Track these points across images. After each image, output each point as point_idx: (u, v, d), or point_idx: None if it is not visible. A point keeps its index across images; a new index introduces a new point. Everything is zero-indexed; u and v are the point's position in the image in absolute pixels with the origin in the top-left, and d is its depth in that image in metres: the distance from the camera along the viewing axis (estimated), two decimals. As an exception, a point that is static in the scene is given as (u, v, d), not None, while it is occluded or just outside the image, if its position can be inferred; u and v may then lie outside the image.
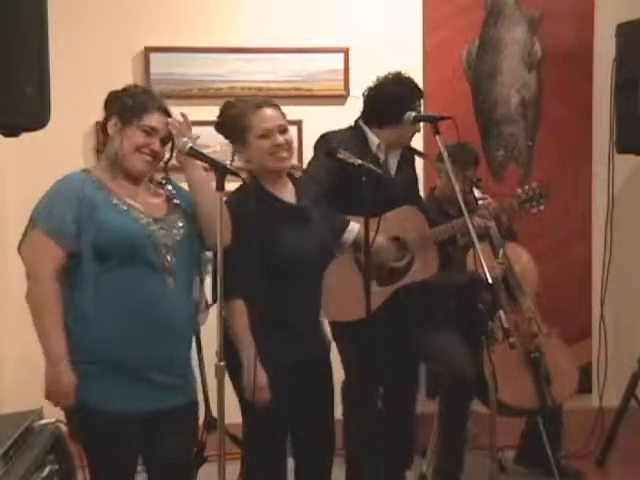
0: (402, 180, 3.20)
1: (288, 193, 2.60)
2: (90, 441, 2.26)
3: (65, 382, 2.18)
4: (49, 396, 2.21)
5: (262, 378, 2.42)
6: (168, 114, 2.37)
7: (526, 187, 3.29)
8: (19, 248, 2.29)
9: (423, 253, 3.13)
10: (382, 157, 3.13)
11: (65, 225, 2.19)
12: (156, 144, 2.32)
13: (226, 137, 2.61)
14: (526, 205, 3.27)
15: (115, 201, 2.27)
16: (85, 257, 2.20)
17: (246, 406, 2.51)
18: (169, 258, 2.29)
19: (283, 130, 2.52)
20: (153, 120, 2.31)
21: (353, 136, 3.09)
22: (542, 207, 3.28)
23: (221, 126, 2.60)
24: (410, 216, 3.14)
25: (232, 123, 2.55)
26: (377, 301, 2.95)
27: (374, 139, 3.11)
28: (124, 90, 2.37)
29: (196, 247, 2.40)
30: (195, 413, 2.46)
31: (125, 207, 2.27)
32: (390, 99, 3.07)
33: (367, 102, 3.16)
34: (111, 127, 2.32)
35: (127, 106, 2.31)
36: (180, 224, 2.35)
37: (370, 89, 3.15)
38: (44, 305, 2.20)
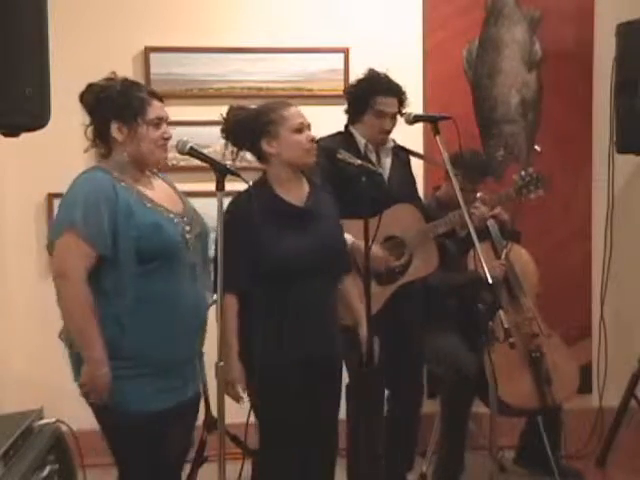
0: (397, 180, 3.20)
1: (298, 193, 2.60)
2: (133, 442, 2.27)
3: (105, 383, 2.20)
4: (85, 394, 2.24)
5: (235, 373, 2.46)
6: (161, 98, 2.37)
7: (523, 173, 3.29)
8: (48, 246, 2.28)
9: (422, 249, 3.12)
10: (373, 157, 3.14)
11: (102, 231, 2.18)
12: (168, 131, 2.33)
13: (240, 136, 2.59)
14: (523, 191, 3.26)
15: (148, 203, 2.27)
16: (124, 262, 2.20)
17: (259, 409, 2.52)
18: (194, 255, 2.34)
19: (310, 129, 2.59)
20: (156, 110, 2.31)
21: (342, 140, 3.12)
22: (541, 192, 3.26)
23: (240, 123, 2.57)
24: (407, 213, 3.13)
25: (257, 117, 2.55)
26: (378, 301, 2.95)
27: (361, 139, 3.14)
28: (105, 89, 2.31)
29: (205, 242, 2.43)
30: (199, 400, 2.53)
31: (158, 208, 2.29)
32: (352, 93, 3.17)
33: (347, 101, 3.24)
34: (116, 132, 2.29)
35: (124, 107, 2.27)
36: (194, 222, 2.38)
37: (347, 87, 3.27)
38: (84, 308, 2.19)
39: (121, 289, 2.21)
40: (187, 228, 2.32)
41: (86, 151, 2.37)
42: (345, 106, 3.23)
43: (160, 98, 2.37)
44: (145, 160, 2.32)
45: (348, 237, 2.86)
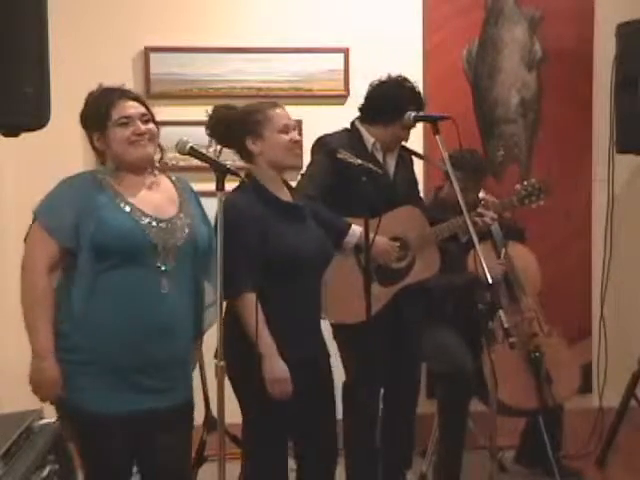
0: (401, 181, 3.20)
1: (284, 193, 2.61)
2: (80, 441, 2.26)
3: (49, 376, 2.18)
4: (34, 390, 2.22)
5: (285, 371, 2.43)
6: (133, 97, 2.33)
7: (525, 183, 3.30)
8: (24, 241, 2.28)
9: (424, 252, 3.12)
10: (380, 157, 3.13)
11: (64, 222, 2.18)
12: (139, 127, 2.27)
13: (226, 134, 2.59)
14: (525, 200, 3.28)
15: (119, 202, 2.25)
16: (82, 254, 2.19)
17: (247, 406, 2.51)
18: (167, 262, 2.26)
19: (298, 130, 2.61)
20: (121, 110, 2.27)
21: (349, 137, 3.10)
22: (542, 202, 3.28)
23: (227, 121, 2.58)
24: (410, 216, 3.13)
25: (243, 116, 2.56)
26: (380, 302, 2.95)
27: (369, 138, 3.12)
28: (86, 102, 2.33)
29: (201, 249, 2.36)
30: (188, 415, 2.42)
31: (128, 208, 2.25)
32: (386, 98, 3.10)
33: (366, 97, 3.17)
34: (97, 143, 2.30)
35: (92, 116, 2.28)
36: (186, 228, 2.32)
37: (372, 85, 3.17)
38: (34, 298, 2.21)
39: (77, 282, 2.20)
40: (162, 232, 2.26)
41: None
42: (359, 104, 3.18)
43: (133, 97, 2.33)
44: (124, 161, 2.29)
45: (357, 228, 2.86)
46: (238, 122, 2.57)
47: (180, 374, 2.36)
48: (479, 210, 3.21)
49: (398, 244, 3.06)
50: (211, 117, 2.61)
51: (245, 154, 2.60)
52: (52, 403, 2.26)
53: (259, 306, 2.40)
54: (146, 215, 2.26)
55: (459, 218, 3.06)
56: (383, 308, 2.97)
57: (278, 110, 2.57)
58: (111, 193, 2.26)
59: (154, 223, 2.26)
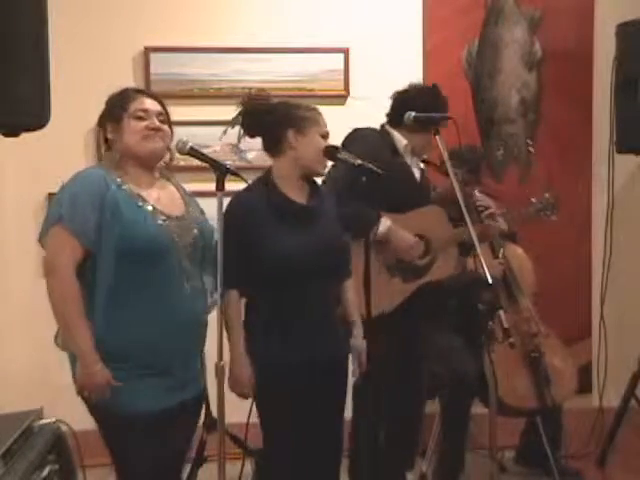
0: (425, 182, 3.25)
1: (300, 191, 2.60)
2: (131, 442, 2.26)
3: (100, 380, 2.20)
4: (82, 393, 2.24)
5: (246, 372, 2.46)
6: (154, 96, 2.40)
7: (547, 195, 3.38)
8: (39, 240, 2.28)
9: (445, 252, 3.15)
10: (408, 159, 3.16)
11: (88, 225, 2.19)
12: (154, 121, 2.33)
13: (266, 118, 2.59)
14: (541, 213, 3.37)
15: (139, 202, 2.27)
16: (105, 257, 2.20)
17: (262, 409, 2.53)
18: (186, 260, 2.32)
19: None
20: (140, 104, 2.33)
21: (379, 137, 3.13)
22: (554, 217, 3.38)
23: (271, 107, 2.61)
24: (436, 216, 3.17)
25: (291, 109, 2.59)
26: (400, 297, 3.00)
27: (401, 140, 3.13)
28: (105, 105, 2.41)
29: (207, 245, 2.42)
30: (201, 403, 2.53)
31: (149, 208, 2.28)
32: (418, 106, 3.05)
33: (391, 105, 3.18)
34: (110, 133, 2.35)
35: (111, 108, 2.34)
36: (195, 226, 2.37)
37: (394, 94, 3.18)
38: (70, 303, 2.19)
39: (102, 284, 2.21)
40: (179, 232, 2.31)
41: None
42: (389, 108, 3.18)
43: (150, 95, 2.40)
44: (134, 153, 2.31)
45: (386, 220, 2.89)
46: (283, 112, 2.59)
47: (196, 366, 2.44)
48: (497, 216, 3.30)
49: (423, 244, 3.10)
50: (249, 97, 2.64)
51: (277, 145, 2.59)
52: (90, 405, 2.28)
53: (239, 302, 2.48)
54: (163, 213, 2.30)
55: (477, 225, 3.11)
56: (399, 305, 2.99)
57: (323, 117, 2.62)
58: (128, 192, 2.27)
59: (172, 222, 2.30)
